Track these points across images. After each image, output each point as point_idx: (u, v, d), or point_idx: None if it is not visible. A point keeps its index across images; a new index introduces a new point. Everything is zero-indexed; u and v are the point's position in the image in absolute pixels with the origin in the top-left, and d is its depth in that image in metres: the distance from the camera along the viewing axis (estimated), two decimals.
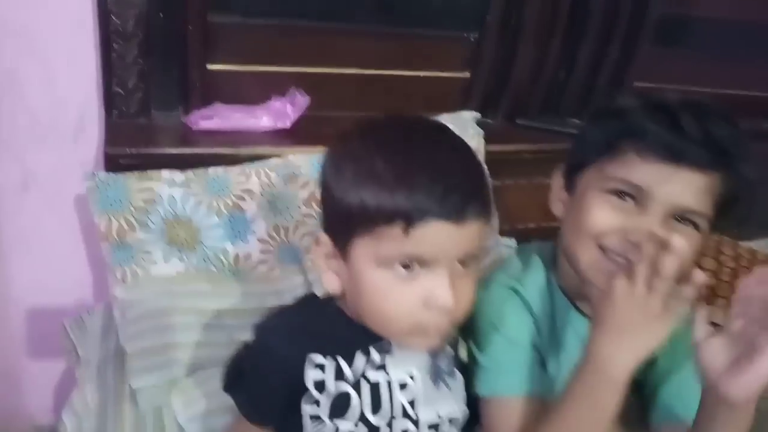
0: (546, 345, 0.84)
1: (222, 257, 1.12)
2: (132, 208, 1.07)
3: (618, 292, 0.69)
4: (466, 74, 1.61)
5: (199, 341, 1.01)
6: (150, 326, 1.01)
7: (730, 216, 0.80)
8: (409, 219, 0.62)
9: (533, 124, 1.67)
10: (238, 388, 0.77)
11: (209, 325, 1.02)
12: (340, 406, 0.72)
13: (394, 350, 0.73)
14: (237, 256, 1.13)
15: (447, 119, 1.36)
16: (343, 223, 0.67)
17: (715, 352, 0.69)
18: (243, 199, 1.13)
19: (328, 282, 0.72)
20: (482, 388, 0.79)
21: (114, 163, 1.13)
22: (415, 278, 0.66)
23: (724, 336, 0.69)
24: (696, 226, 0.76)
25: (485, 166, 0.75)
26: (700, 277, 0.67)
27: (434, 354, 0.76)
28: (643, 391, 0.87)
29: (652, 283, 0.67)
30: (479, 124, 1.49)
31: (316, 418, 0.72)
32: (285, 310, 0.79)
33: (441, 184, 0.63)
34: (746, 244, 1.80)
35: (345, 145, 0.70)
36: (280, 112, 1.29)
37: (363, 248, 0.66)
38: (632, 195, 0.75)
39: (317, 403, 0.72)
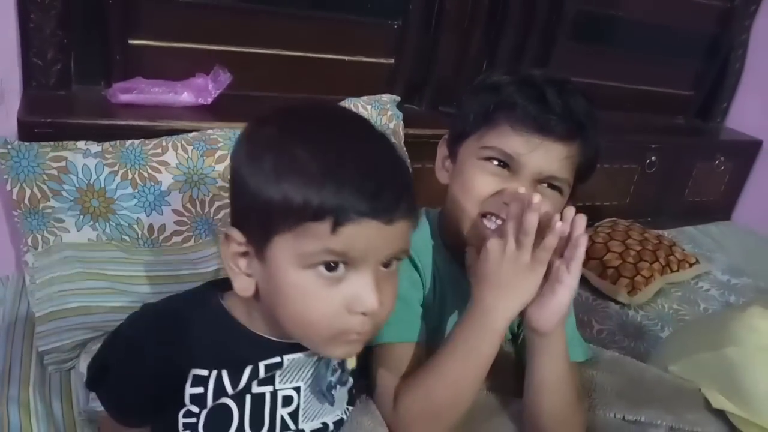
0: (432, 300, 0.91)
1: (136, 227, 1.14)
2: (45, 177, 1.08)
3: (492, 249, 0.77)
4: (391, 60, 1.66)
5: (109, 306, 1.02)
6: (59, 291, 1.02)
7: (585, 180, 0.90)
8: (338, 216, 0.57)
9: (455, 112, 1.74)
10: (103, 385, 0.71)
11: (120, 290, 1.04)
12: (219, 419, 0.68)
13: (284, 366, 0.70)
14: (151, 227, 1.15)
15: (367, 101, 1.42)
16: (261, 220, 0.60)
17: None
18: (158, 170, 1.15)
19: (240, 285, 0.65)
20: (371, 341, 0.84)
21: (28, 132, 1.14)
22: (338, 280, 0.61)
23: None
24: (560, 190, 0.85)
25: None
26: (559, 225, 0.74)
27: (321, 366, 0.72)
28: (517, 342, 0.97)
29: (520, 239, 0.75)
30: (404, 109, 1.54)
31: (190, 427, 0.68)
32: (161, 310, 0.70)
33: (373, 181, 0.59)
34: (655, 232, 1.91)
35: (262, 133, 0.63)
36: (202, 88, 1.31)
37: (284, 247, 0.60)
38: (506, 162, 0.84)
39: (194, 415, 0.67)
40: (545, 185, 0.84)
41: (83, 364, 1.00)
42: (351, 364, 0.73)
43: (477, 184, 0.84)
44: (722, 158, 2.26)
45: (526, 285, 0.77)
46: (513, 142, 0.82)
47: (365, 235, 0.59)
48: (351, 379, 0.76)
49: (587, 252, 1.81)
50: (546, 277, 0.77)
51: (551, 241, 0.75)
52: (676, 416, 0.80)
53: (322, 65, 1.57)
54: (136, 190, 1.13)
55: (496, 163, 0.84)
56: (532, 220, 0.73)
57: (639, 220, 2.01)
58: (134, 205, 1.13)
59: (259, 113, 0.66)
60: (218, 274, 1.13)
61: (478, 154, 0.85)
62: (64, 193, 1.09)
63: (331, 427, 0.75)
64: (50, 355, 1.01)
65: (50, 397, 0.99)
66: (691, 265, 1.80)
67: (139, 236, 1.14)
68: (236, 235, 0.63)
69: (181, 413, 0.67)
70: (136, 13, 1.31)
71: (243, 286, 0.65)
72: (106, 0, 1.25)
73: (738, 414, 0.82)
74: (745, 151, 2.35)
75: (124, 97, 1.27)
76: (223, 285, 0.71)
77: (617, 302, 1.62)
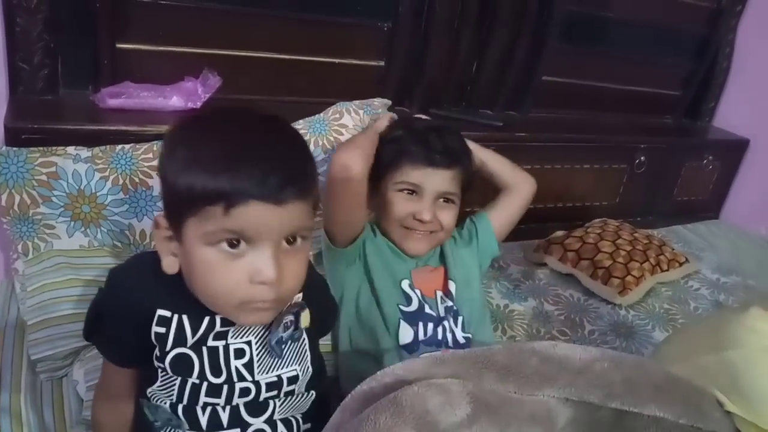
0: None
1: (128, 233, 1.13)
2: (35, 183, 1.07)
3: None
4: (381, 63, 1.66)
5: None
6: (51, 298, 1.01)
7: (469, 189, 1.24)
8: (229, 199, 0.66)
9: (445, 114, 1.74)
10: (98, 333, 0.80)
11: None
12: (182, 366, 0.76)
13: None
14: (143, 232, 1.14)
15: (359, 106, 1.41)
16: (176, 206, 0.70)
17: None
18: (149, 175, 1.14)
19: (167, 264, 0.75)
20: None
21: (15, 137, 1.13)
22: (240, 256, 0.70)
23: None
24: (453, 201, 1.20)
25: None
26: None
27: (269, 330, 0.80)
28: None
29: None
30: (394, 112, 1.54)
31: (162, 370, 0.77)
32: (143, 256, 0.82)
33: (260, 167, 0.68)
34: (645, 231, 1.92)
35: (180, 133, 0.73)
36: (191, 92, 1.31)
37: (192, 228, 0.69)
38: (413, 190, 1.17)
39: (160, 359, 0.76)
40: (443, 200, 1.18)
41: (76, 373, 0.99)
42: (305, 322, 0.82)
43: (398, 208, 1.18)
44: (710, 157, 2.28)
45: None
46: (415, 175, 1.16)
47: (256, 215, 0.68)
48: (306, 337, 0.85)
49: (578, 252, 1.82)
50: None
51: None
52: (702, 415, 0.80)
53: (312, 68, 1.56)
54: (127, 196, 1.12)
55: (407, 192, 1.17)
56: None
57: (628, 219, 2.03)
58: (125, 210, 1.12)
59: (175, 122, 0.75)
60: None
61: (394, 188, 1.18)
62: (54, 199, 1.08)
63: (285, 381, 0.81)
64: (43, 363, 1.00)
65: (42, 406, 0.98)
66: (680, 265, 1.81)
67: (131, 242, 1.13)
68: (162, 220, 0.74)
69: (153, 356, 0.76)
70: (124, 16, 1.30)
71: (168, 264, 0.75)
72: (93, 3, 1.24)
73: (741, 416, 0.82)
74: (733, 150, 2.37)
75: (113, 102, 1.26)
76: None
77: (608, 302, 1.62)
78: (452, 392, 0.70)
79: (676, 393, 0.81)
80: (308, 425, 0.85)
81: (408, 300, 1.15)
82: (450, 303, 1.18)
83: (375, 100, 1.49)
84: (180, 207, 0.70)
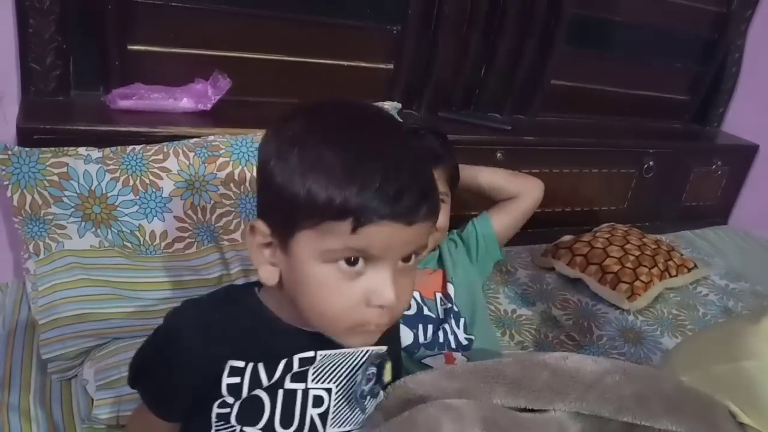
0: None
1: (138, 234, 1.13)
2: (46, 183, 1.07)
3: None
4: (390, 66, 1.66)
5: (113, 312, 1.02)
6: (62, 298, 1.01)
7: (455, 188, 1.27)
8: (359, 217, 0.59)
9: (454, 117, 1.74)
10: (145, 381, 0.74)
11: (124, 296, 1.04)
12: (251, 410, 0.69)
13: (317, 361, 0.71)
14: (153, 233, 1.14)
15: None
16: (287, 214, 0.63)
17: None
18: (160, 177, 1.14)
19: (265, 275, 0.68)
20: None
21: (27, 138, 1.13)
22: (358, 275, 0.63)
23: None
24: (443, 201, 1.17)
25: None
26: None
27: (356, 373, 0.74)
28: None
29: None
30: (403, 115, 1.54)
31: (224, 418, 0.69)
32: (203, 303, 0.72)
33: (394, 183, 0.60)
34: (654, 237, 1.91)
35: (288, 129, 0.64)
36: (201, 94, 1.31)
37: (307, 242, 0.62)
38: None
39: (228, 405, 0.69)
40: None
41: (87, 372, 0.99)
42: (388, 376, 0.76)
43: None
44: (719, 162, 2.27)
45: None
46: None
47: (385, 235, 0.61)
48: (382, 393, 0.77)
49: (586, 257, 1.83)
50: None
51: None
52: (715, 428, 0.80)
53: (322, 70, 1.57)
54: (138, 197, 1.13)
55: None
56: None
57: (637, 224, 2.02)
58: (136, 211, 1.12)
59: (280, 115, 0.67)
60: (221, 280, 1.13)
61: None
62: (66, 200, 1.08)
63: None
64: (54, 363, 1.00)
65: (51, 405, 0.98)
66: (689, 270, 1.81)
67: (141, 243, 1.13)
68: (261, 226, 0.66)
69: (215, 404, 0.69)
70: (135, 18, 1.31)
71: (267, 275, 0.68)
72: (105, 5, 1.25)
73: (755, 428, 0.81)
74: (742, 155, 2.36)
75: (123, 103, 1.27)
76: (258, 282, 0.74)
77: (617, 308, 1.62)
78: (466, 417, 0.69)
79: (689, 405, 0.80)
80: None
81: None
82: (449, 305, 1.18)
83: (385, 103, 1.50)
84: (293, 215, 0.62)
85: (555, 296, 1.63)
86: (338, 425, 0.74)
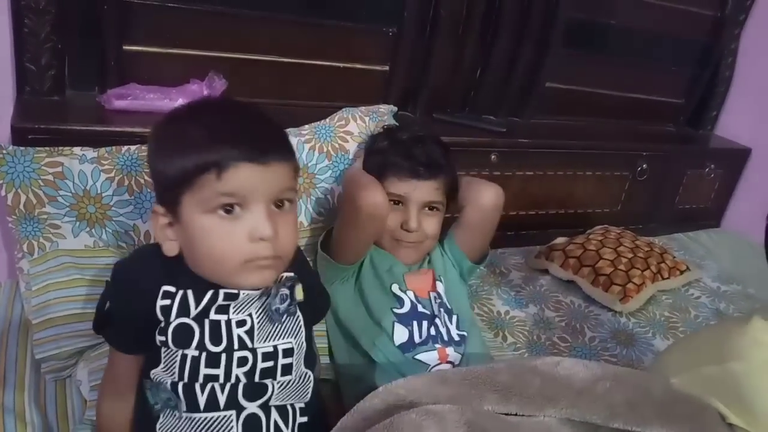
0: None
1: (132, 234, 1.13)
2: (41, 182, 1.07)
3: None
4: (386, 67, 1.67)
5: None
6: (56, 298, 1.02)
7: (454, 197, 1.26)
8: (219, 165, 0.72)
9: (449, 119, 1.75)
10: (104, 322, 0.83)
11: None
12: (183, 335, 0.79)
13: (239, 298, 0.81)
14: (147, 234, 1.14)
15: (365, 112, 1.41)
16: (170, 188, 0.76)
17: None
18: None
19: (167, 248, 0.80)
20: None
21: (22, 137, 1.13)
22: (236, 218, 0.75)
23: None
24: (438, 210, 1.23)
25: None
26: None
27: (269, 296, 0.84)
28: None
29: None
30: (399, 116, 1.54)
31: (164, 344, 0.79)
32: (145, 246, 0.90)
33: (245, 137, 0.75)
34: (646, 239, 1.92)
35: (165, 126, 0.79)
36: (196, 94, 1.31)
37: (188, 202, 0.75)
38: (400, 201, 1.20)
39: (164, 332, 0.79)
40: (427, 209, 1.21)
41: (80, 373, 1.00)
42: (299, 295, 0.87)
43: (388, 219, 1.17)
44: (712, 166, 2.28)
45: None
46: (401, 187, 1.19)
47: (245, 176, 0.74)
48: (300, 314, 0.87)
49: (579, 259, 1.83)
50: None
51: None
52: (704, 431, 0.80)
53: (317, 72, 1.57)
54: (133, 197, 1.13)
55: (393, 203, 1.18)
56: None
57: (630, 227, 2.03)
58: (131, 211, 1.12)
59: (156, 122, 0.81)
60: None
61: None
62: (60, 199, 1.08)
63: (281, 353, 0.84)
64: (47, 363, 1.01)
65: (45, 405, 0.99)
66: (681, 273, 1.82)
67: (136, 243, 1.13)
68: (159, 209, 0.79)
69: (156, 332, 0.80)
70: (130, 18, 1.31)
71: (169, 247, 0.80)
72: (100, 5, 1.25)
73: (744, 429, 0.82)
74: (735, 158, 2.37)
75: (119, 103, 1.27)
76: None
77: (609, 309, 1.63)
78: (448, 421, 0.70)
79: (679, 410, 0.81)
80: (305, 418, 0.86)
81: (400, 302, 1.17)
82: (441, 300, 1.21)
83: (381, 106, 1.50)
84: (175, 188, 0.75)
85: (548, 298, 1.64)
86: (263, 340, 0.83)
